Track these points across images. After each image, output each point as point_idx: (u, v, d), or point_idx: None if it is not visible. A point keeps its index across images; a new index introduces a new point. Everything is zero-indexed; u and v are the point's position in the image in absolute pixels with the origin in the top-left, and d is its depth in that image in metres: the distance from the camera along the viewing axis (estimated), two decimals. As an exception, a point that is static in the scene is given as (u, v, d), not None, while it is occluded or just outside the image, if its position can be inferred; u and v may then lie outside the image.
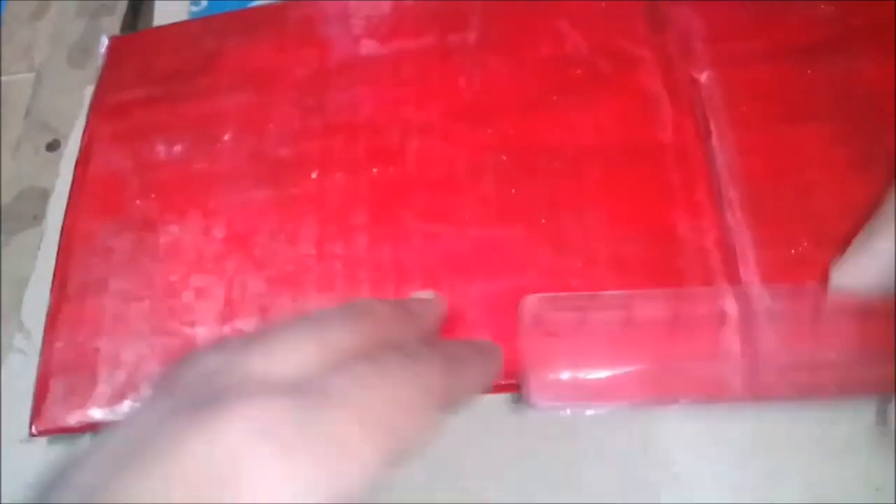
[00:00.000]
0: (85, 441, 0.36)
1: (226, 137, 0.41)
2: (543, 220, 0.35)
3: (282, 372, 0.20)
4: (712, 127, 0.36)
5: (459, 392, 0.24)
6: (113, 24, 0.50)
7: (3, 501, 0.36)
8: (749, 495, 0.31)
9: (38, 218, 0.44)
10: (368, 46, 0.42)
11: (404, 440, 0.20)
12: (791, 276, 0.33)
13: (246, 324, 0.36)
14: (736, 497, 0.31)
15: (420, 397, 0.21)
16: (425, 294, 0.32)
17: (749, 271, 0.33)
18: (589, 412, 0.31)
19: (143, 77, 0.45)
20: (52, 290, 0.39)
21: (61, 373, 0.37)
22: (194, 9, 0.50)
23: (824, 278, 0.32)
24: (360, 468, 0.19)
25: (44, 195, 0.44)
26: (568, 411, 0.31)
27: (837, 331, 0.31)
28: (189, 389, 0.20)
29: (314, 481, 0.18)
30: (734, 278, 0.33)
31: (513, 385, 0.32)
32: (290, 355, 0.21)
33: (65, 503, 0.18)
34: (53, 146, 0.46)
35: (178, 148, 0.42)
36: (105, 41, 0.47)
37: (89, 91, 0.46)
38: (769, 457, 0.31)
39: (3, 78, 0.50)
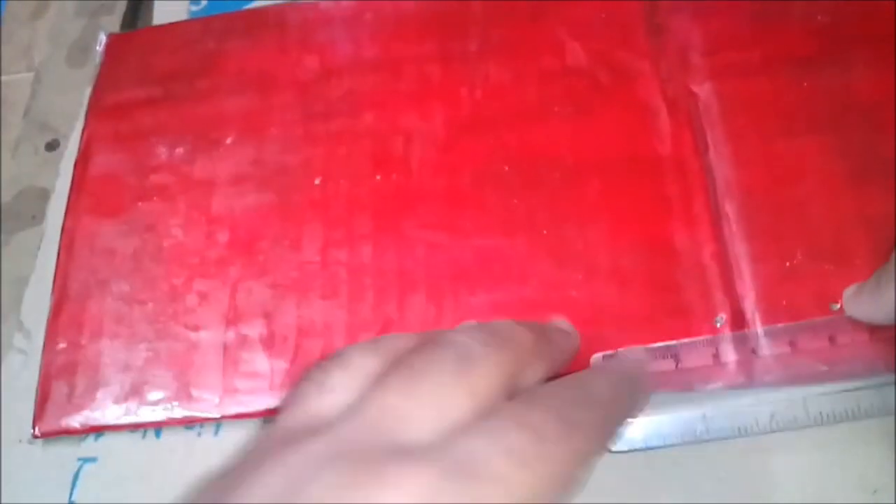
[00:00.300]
0: (89, 443, 0.36)
1: (228, 141, 0.41)
2: (545, 231, 0.36)
3: (429, 424, 0.20)
4: (709, 140, 0.37)
5: (606, 449, 0.24)
6: (112, 23, 0.50)
7: (3, 501, 0.36)
8: (748, 497, 0.31)
9: (37, 218, 0.44)
10: (370, 52, 0.43)
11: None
12: (785, 290, 0.33)
13: (250, 329, 0.36)
14: (735, 498, 0.31)
15: (574, 468, 0.20)
16: (564, 325, 0.32)
17: (744, 285, 0.34)
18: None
19: (142, 76, 0.45)
20: (52, 291, 0.39)
21: (64, 374, 0.37)
22: (194, 8, 0.50)
23: (818, 291, 0.33)
24: None
25: (43, 195, 0.44)
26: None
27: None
28: (331, 431, 0.20)
29: None
30: (730, 292, 0.34)
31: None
32: (437, 400, 0.20)
33: None
34: (53, 146, 0.46)
35: (179, 150, 0.42)
36: (103, 38, 0.47)
37: (88, 91, 0.46)
38: (767, 459, 0.32)
39: (3, 77, 0.50)
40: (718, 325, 0.33)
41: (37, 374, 0.37)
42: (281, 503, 0.17)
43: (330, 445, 0.19)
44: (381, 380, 0.21)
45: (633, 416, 0.28)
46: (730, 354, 0.33)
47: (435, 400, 0.20)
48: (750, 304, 0.33)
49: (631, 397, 0.26)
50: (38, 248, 0.42)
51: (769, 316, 0.33)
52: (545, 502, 0.19)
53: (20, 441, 0.37)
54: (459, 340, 0.22)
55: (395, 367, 0.21)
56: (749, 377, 0.32)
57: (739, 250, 0.34)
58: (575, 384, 0.24)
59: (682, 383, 0.32)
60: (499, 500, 0.18)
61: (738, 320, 0.33)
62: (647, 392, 0.28)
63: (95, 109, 0.44)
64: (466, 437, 0.19)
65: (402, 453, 0.18)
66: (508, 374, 0.22)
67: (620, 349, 0.33)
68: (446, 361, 0.21)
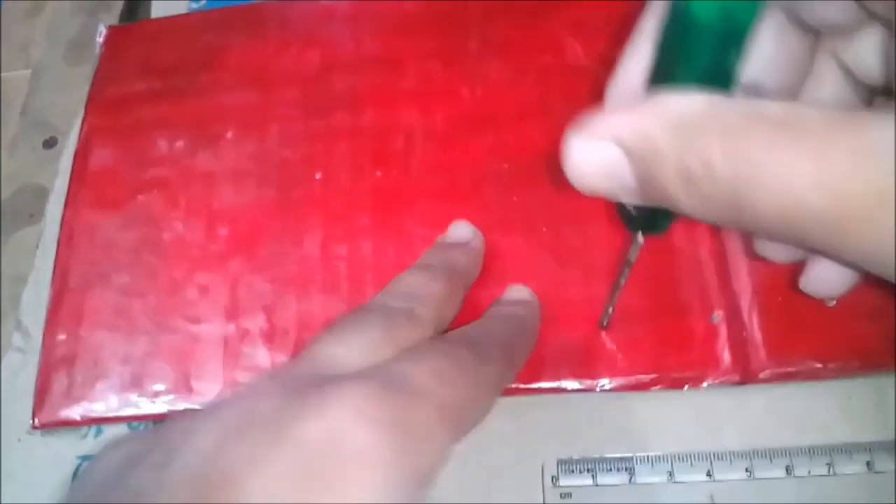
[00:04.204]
0: (88, 441, 0.37)
1: (228, 135, 0.41)
2: (544, 229, 0.36)
3: (359, 363, 0.23)
4: (706, 138, 0.37)
5: (511, 380, 0.28)
6: (110, 21, 0.50)
7: (3, 501, 0.36)
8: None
9: (35, 216, 0.44)
10: (371, 49, 0.43)
11: (471, 427, 0.23)
12: (779, 286, 0.34)
13: (251, 323, 0.36)
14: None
15: (487, 393, 0.24)
16: (463, 229, 0.35)
17: (741, 282, 0.34)
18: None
19: (142, 69, 0.45)
20: (52, 284, 0.39)
21: (63, 366, 0.37)
22: (194, 6, 0.50)
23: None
24: (439, 451, 0.21)
25: (41, 193, 0.44)
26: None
27: None
28: (286, 372, 0.23)
29: (401, 460, 0.20)
30: (727, 289, 0.34)
31: (516, 389, 0.33)
32: (366, 347, 0.24)
33: (184, 464, 0.19)
34: (50, 143, 0.46)
35: (180, 144, 0.42)
36: (102, 30, 0.47)
37: (86, 88, 0.45)
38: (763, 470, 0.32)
39: (0, 75, 0.50)
40: (715, 321, 0.33)
41: (35, 373, 0.37)
42: (241, 426, 0.20)
43: (281, 381, 0.22)
44: (316, 339, 0.25)
45: (529, 348, 0.31)
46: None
47: (365, 347, 0.24)
48: (746, 301, 0.34)
49: (524, 332, 0.31)
50: (37, 246, 0.42)
51: (765, 312, 0.33)
52: (464, 415, 0.23)
53: (19, 440, 0.37)
54: (384, 306, 0.27)
55: (330, 327, 0.25)
56: (744, 373, 0.33)
57: (735, 247, 0.35)
58: (479, 326, 0.30)
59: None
60: (424, 412, 0.21)
61: (735, 317, 0.33)
62: (537, 327, 0.33)
63: (95, 102, 0.44)
64: (394, 363, 0.23)
65: (334, 379, 0.21)
66: (426, 323, 0.27)
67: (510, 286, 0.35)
68: (369, 319, 0.25)
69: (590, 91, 0.39)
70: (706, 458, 0.32)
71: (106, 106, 0.44)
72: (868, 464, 0.31)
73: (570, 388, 0.33)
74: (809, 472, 0.32)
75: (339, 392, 0.20)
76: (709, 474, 0.32)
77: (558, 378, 0.33)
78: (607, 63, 0.39)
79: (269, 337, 0.36)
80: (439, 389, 0.22)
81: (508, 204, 0.37)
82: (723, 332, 0.33)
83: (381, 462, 0.19)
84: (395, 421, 0.20)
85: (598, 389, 0.33)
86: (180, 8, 0.50)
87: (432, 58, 0.42)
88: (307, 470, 0.19)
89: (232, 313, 0.37)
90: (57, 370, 0.37)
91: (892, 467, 0.31)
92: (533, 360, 0.33)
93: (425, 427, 0.21)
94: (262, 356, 0.35)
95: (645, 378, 0.33)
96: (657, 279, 0.35)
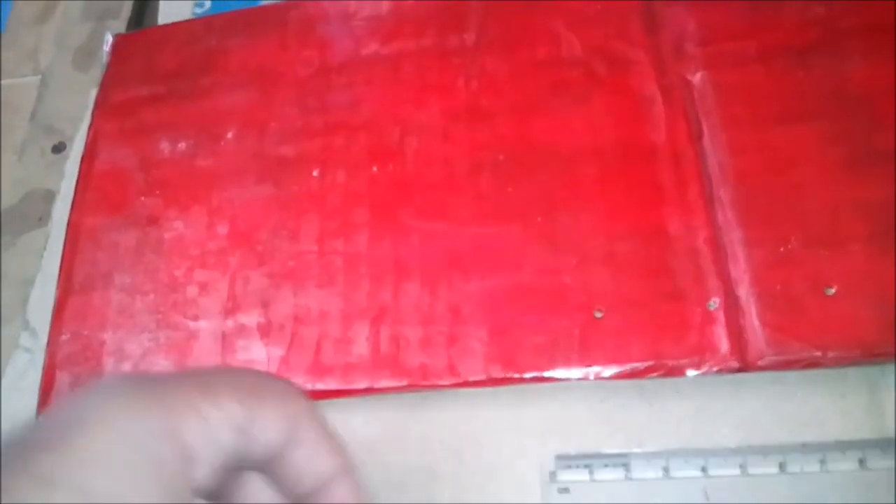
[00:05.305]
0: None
1: (229, 135, 0.42)
2: (539, 219, 0.36)
3: None
4: (704, 127, 0.37)
5: None
6: (118, 27, 0.50)
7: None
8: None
9: (43, 219, 0.44)
10: (369, 47, 0.43)
11: (250, 405, 0.20)
12: (780, 274, 0.33)
13: (248, 318, 0.37)
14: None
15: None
16: None
17: (739, 269, 0.34)
18: None
19: (147, 75, 0.46)
20: (58, 285, 0.40)
21: (67, 365, 0.37)
22: (198, 10, 0.50)
23: (812, 276, 0.33)
24: (203, 424, 0.19)
25: (49, 197, 0.45)
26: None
27: None
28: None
29: (158, 429, 0.18)
30: (724, 276, 0.33)
31: (510, 378, 0.33)
32: None
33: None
34: (59, 148, 0.47)
35: (181, 145, 0.42)
36: (109, 39, 0.48)
37: (94, 93, 0.46)
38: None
39: (9, 81, 0.50)
40: (712, 308, 0.33)
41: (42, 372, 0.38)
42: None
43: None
44: None
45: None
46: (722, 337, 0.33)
47: None
48: (744, 289, 0.33)
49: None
50: (44, 248, 0.43)
51: (763, 300, 0.33)
52: (236, 390, 0.20)
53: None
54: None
55: None
56: (742, 361, 0.32)
57: (734, 236, 0.34)
58: None
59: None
60: (188, 385, 0.20)
61: (732, 304, 0.33)
62: None
63: (102, 108, 0.45)
64: None
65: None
66: None
67: None
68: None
69: (586, 82, 0.39)
70: (701, 455, 0.32)
71: (112, 111, 0.45)
72: (860, 461, 0.31)
73: (562, 376, 0.33)
74: (802, 468, 0.31)
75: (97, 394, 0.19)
76: (703, 470, 0.32)
77: (552, 366, 0.33)
78: (604, 54, 0.40)
79: (266, 331, 0.36)
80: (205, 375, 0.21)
81: (504, 194, 0.37)
82: (720, 319, 0.33)
83: (125, 428, 0.18)
84: (152, 396, 0.19)
85: (591, 377, 0.32)
86: (185, 12, 0.50)
87: (429, 53, 0.42)
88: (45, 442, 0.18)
89: (230, 309, 0.37)
90: (61, 369, 0.37)
91: (885, 465, 0.31)
92: (526, 348, 0.33)
93: (185, 399, 0.19)
94: (258, 350, 0.36)
95: (640, 366, 0.32)
96: (652, 266, 0.34)
